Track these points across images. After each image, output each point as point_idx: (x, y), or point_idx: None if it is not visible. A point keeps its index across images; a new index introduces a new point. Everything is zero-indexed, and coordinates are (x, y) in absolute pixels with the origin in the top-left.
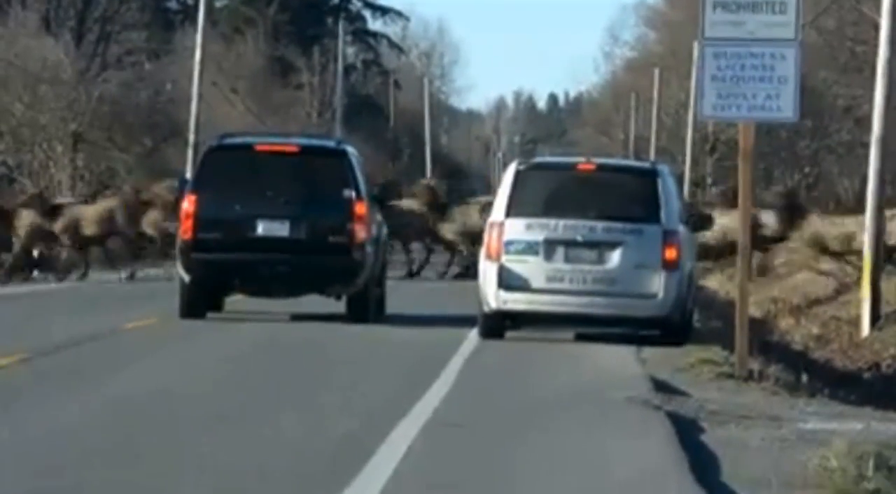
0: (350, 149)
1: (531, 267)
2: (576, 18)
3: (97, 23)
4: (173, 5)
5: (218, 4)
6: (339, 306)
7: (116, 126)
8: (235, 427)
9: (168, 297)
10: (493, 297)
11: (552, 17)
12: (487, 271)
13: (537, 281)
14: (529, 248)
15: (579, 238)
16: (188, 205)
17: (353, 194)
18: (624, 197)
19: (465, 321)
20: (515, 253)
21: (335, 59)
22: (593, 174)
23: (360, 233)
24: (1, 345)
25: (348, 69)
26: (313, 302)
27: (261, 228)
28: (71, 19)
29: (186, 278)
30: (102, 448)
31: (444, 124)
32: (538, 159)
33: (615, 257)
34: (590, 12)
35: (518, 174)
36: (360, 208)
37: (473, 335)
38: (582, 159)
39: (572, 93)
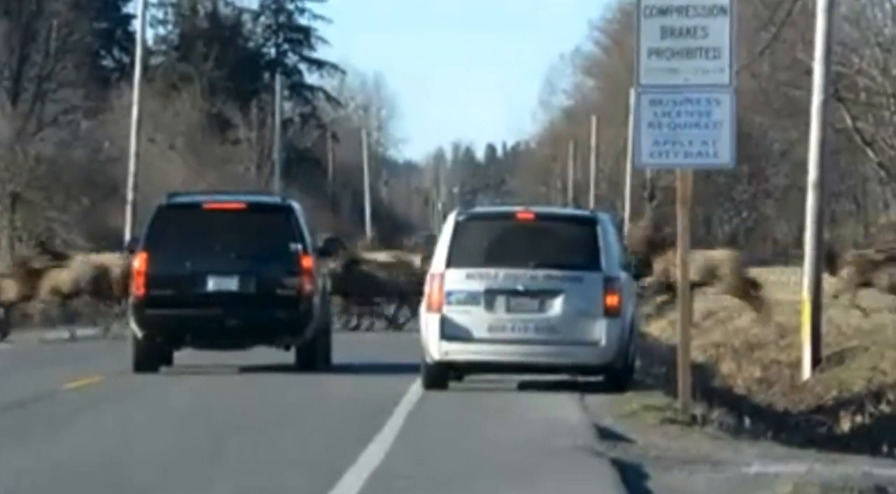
0: (295, 205)
1: (473, 318)
2: (513, 69)
3: (33, 82)
4: (109, 63)
5: (154, 62)
6: (287, 356)
7: (54, 185)
8: (178, 486)
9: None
10: (436, 348)
11: (489, 68)
12: (429, 322)
13: (479, 331)
14: (470, 298)
15: (520, 287)
16: (139, 262)
17: (300, 248)
18: (564, 245)
19: (409, 369)
20: (457, 303)
21: (272, 114)
22: (532, 223)
23: (307, 285)
24: None
25: (286, 123)
26: (262, 354)
27: (211, 284)
28: (6, 79)
29: (139, 333)
30: None
31: (384, 176)
32: (477, 209)
33: (556, 305)
34: (527, 62)
35: (457, 224)
36: (307, 261)
37: (417, 385)
38: (521, 208)
39: (510, 143)
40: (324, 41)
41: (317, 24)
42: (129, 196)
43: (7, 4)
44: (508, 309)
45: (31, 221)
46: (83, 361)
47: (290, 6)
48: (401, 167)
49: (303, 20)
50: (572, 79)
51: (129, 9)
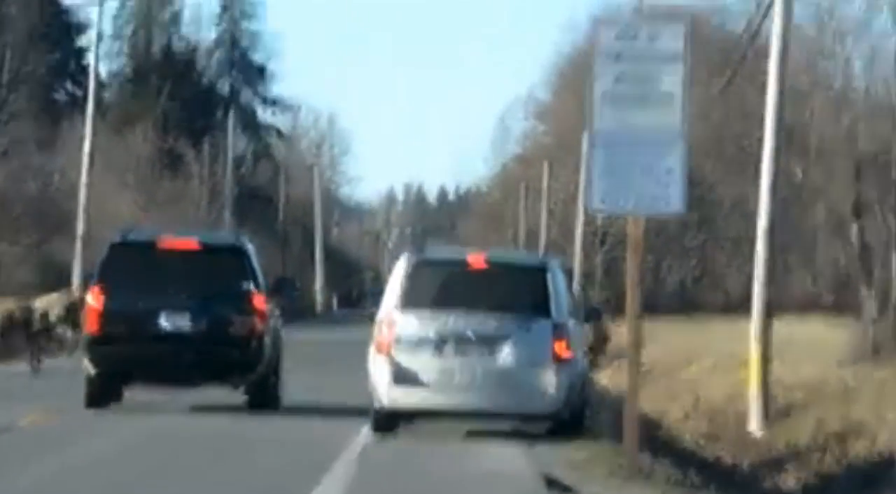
0: (248, 245)
1: (421, 362)
2: (466, 112)
3: None
4: (62, 96)
5: (107, 95)
6: (237, 395)
7: (3, 218)
8: None
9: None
10: (384, 393)
11: (442, 110)
12: (377, 365)
13: (428, 376)
14: (420, 343)
15: (469, 333)
16: (93, 299)
17: (252, 288)
18: (514, 291)
19: (360, 411)
20: (406, 347)
21: (225, 151)
22: (483, 268)
23: (259, 325)
24: None
25: (238, 160)
26: (212, 392)
27: (163, 321)
28: None
29: (92, 370)
30: None
31: (335, 216)
32: (429, 253)
33: (505, 352)
34: (480, 106)
35: (408, 268)
36: (259, 301)
37: (366, 428)
38: (472, 253)
39: (462, 186)
40: (278, 78)
41: (271, 62)
42: (79, 229)
43: None
44: (457, 355)
45: None
46: (37, 396)
47: (245, 43)
48: (352, 208)
49: (257, 57)
50: (524, 124)
51: (82, 42)
